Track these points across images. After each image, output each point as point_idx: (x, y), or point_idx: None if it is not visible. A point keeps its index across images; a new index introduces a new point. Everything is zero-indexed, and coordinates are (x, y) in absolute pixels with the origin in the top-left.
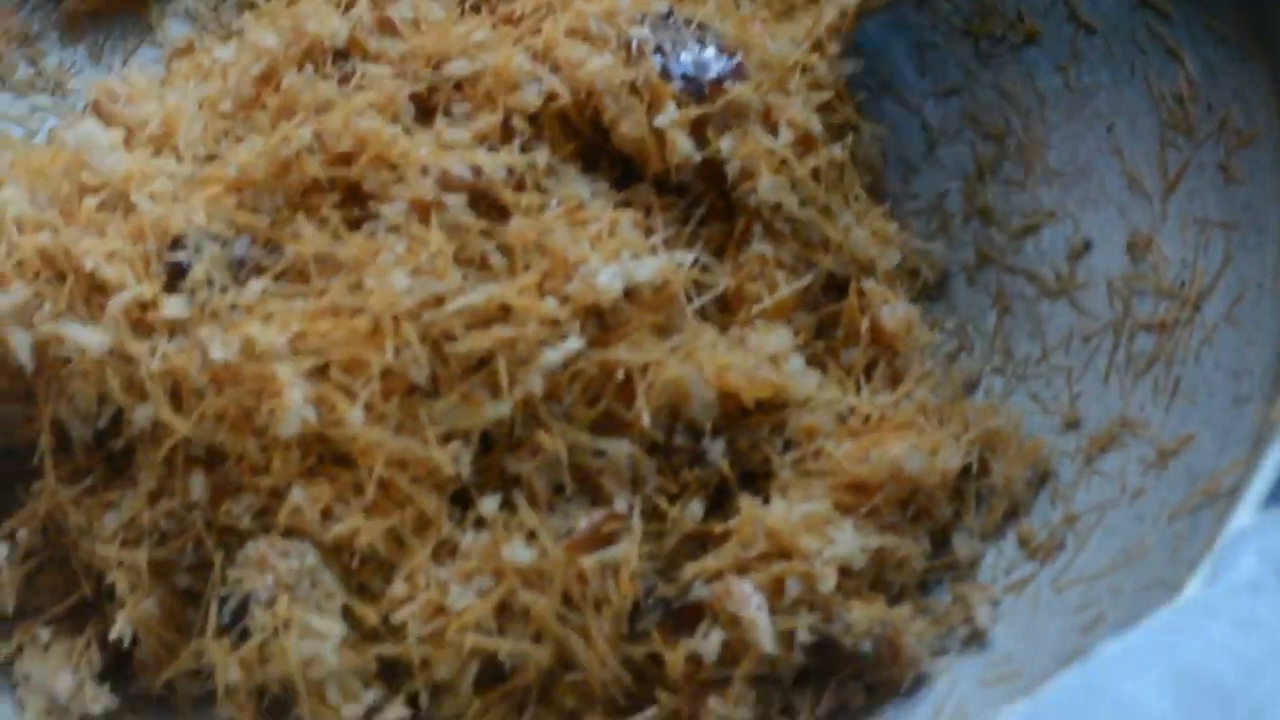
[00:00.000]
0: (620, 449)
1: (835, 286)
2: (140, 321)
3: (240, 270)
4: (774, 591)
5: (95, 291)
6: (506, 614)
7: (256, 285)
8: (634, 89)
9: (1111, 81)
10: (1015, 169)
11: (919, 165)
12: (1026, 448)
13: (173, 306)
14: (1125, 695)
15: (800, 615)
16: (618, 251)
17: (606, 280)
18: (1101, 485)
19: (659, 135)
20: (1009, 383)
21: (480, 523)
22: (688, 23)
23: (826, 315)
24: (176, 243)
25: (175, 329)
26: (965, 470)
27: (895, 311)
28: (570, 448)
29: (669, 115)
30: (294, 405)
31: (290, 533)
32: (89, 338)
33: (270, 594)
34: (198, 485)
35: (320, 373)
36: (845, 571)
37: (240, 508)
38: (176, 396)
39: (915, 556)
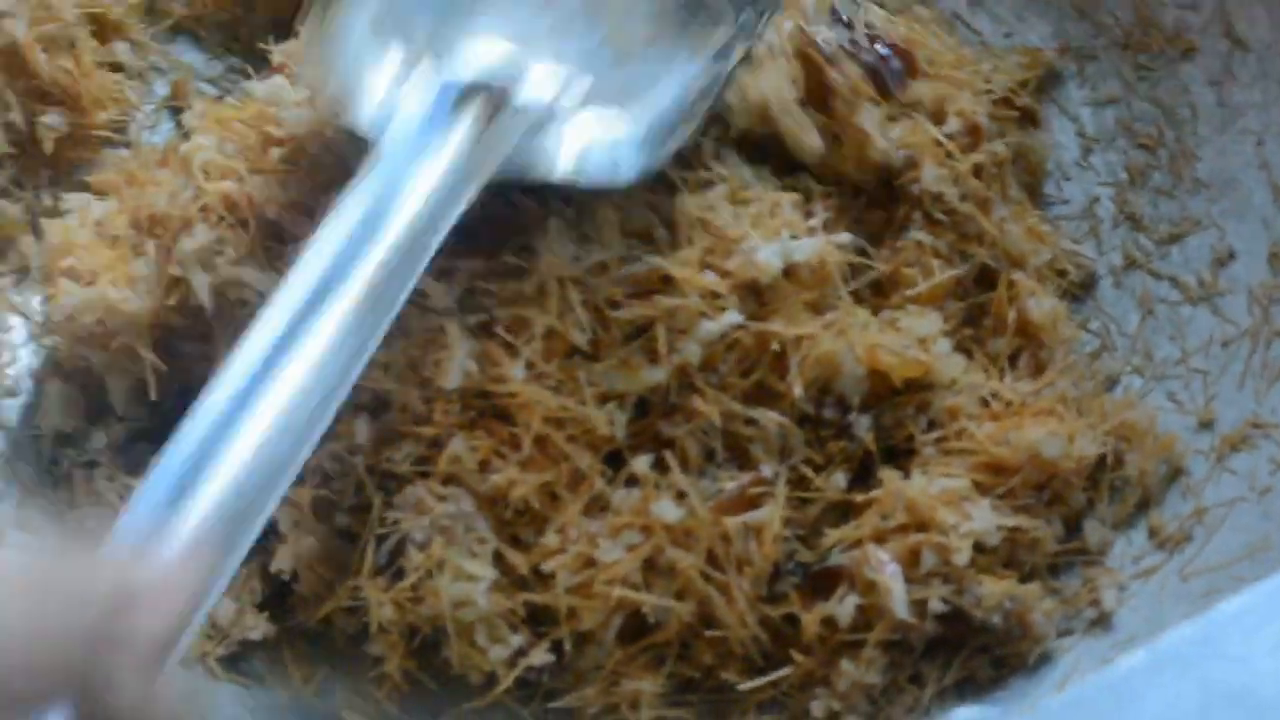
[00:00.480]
0: (771, 418)
1: (984, 278)
2: None
3: None
4: (910, 561)
5: (275, 239)
6: (653, 570)
7: None
8: (830, 91)
9: (1262, 99)
10: (1165, 179)
11: (1071, 171)
12: (1161, 443)
13: None
14: (1237, 654)
15: (934, 585)
16: (778, 230)
17: (766, 257)
18: (1231, 482)
19: (859, 134)
20: (1147, 382)
21: (631, 481)
22: (855, 23)
23: (974, 305)
24: None
25: None
26: (1100, 461)
27: (1042, 304)
28: (723, 415)
29: (870, 116)
30: (459, 359)
31: (447, 481)
32: (267, 282)
33: (426, 536)
34: (362, 430)
35: (485, 329)
36: (980, 547)
37: (401, 455)
38: None
39: (1047, 539)
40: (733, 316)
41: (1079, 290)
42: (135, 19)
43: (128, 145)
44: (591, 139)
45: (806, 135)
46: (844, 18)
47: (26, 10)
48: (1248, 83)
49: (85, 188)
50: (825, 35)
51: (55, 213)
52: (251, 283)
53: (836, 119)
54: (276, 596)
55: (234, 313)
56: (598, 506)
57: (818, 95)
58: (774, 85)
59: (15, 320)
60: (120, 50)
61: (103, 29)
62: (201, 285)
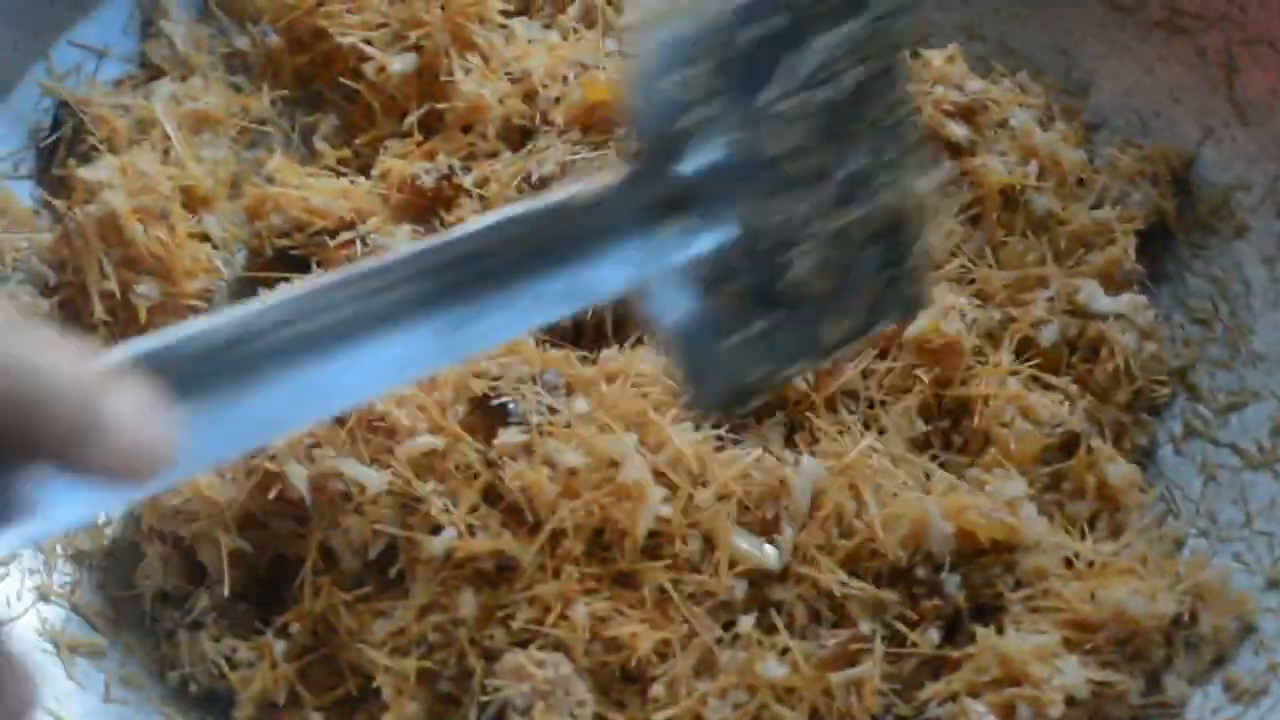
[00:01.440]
0: (863, 586)
1: (1063, 446)
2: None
3: (554, 392)
4: (1004, 714)
5: (376, 433)
6: None
7: (583, 402)
8: None
9: None
10: (1222, 351)
11: None
12: (1234, 600)
13: (509, 435)
14: None
15: None
16: None
17: None
18: None
19: None
20: (1213, 544)
21: (736, 640)
22: None
23: (1055, 470)
24: (488, 393)
25: (515, 455)
26: (1175, 618)
27: (1120, 469)
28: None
29: None
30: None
31: (544, 648)
32: (368, 476)
33: (527, 701)
34: (467, 604)
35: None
36: (1070, 700)
37: (502, 632)
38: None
39: (1131, 692)
40: None
41: (1141, 459)
42: (223, 191)
43: None
44: None
45: None
46: None
47: (124, 182)
48: None
49: None
50: None
51: None
52: (352, 474)
53: None
54: None
55: (332, 501)
56: (706, 666)
57: None
58: None
59: None
60: (209, 222)
61: (192, 200)
62: (298, 477)
